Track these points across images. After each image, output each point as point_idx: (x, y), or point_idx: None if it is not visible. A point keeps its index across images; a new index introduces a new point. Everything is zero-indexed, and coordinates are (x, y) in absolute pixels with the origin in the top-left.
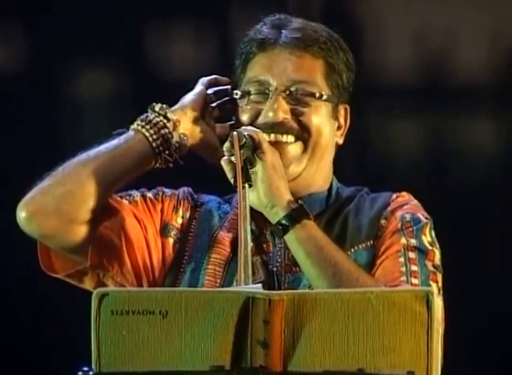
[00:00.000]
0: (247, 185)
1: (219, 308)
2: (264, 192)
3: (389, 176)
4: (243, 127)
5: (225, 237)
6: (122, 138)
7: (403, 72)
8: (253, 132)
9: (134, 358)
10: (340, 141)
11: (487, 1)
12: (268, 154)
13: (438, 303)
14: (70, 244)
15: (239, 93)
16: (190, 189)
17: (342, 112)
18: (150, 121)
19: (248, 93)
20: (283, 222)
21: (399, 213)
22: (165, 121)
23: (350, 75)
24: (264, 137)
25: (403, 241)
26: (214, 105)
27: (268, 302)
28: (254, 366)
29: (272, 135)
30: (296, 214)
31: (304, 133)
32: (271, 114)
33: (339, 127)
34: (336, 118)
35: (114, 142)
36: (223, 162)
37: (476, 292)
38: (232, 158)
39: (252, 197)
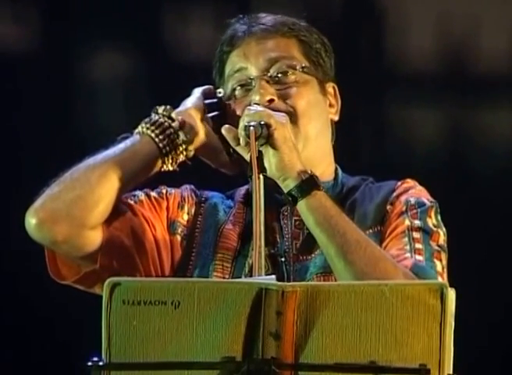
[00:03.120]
0: (261, 176)
1: (232, 300)
2: (276, 166)
3: (407, 165)
4: (253, 109)
5: (230, 231)
6: (128, 141)
7: (424, 60)
8: (261, 112)
9: (145, 349)
10: (335, 118)
11: None
12: (278, 129)
13: (451, 296)
14: (81, 249)
15: (222, 91)
16: (193, 186)
17: (330, 90)
18: (155, 123)
19: (232, 91)
20: (293, 193)
21: (403, 197)
22: (170, 122)
23: (329, 55)
24: (271, 114)
25: (407, 222)
26: (208, 115)
27: (281, 294)
28: (265, 357)
29: None
30: (306, 185)
31: (292, 115)
32: (257, 98)
33: (331, 105)
34: (325, 95)
35: (120, 146)
36: (241, 146)
37: (492, 282)
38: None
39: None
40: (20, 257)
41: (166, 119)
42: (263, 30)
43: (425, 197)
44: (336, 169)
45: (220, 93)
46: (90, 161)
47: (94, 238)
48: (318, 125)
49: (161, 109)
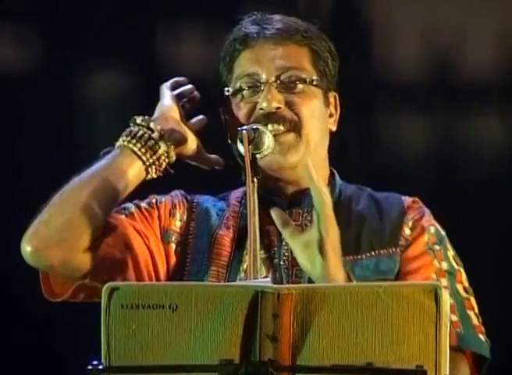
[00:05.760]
0: (255, 179)
1: (229, 302)
2: (318, 275)
3: (396, 174)
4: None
5: (224, 236)
6: (110, 157)
7: (411, 69)
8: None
9: (144, 352)
10: (334, 128)
11: None
12: (332, 236)
13: (446, 297)
14: (77, 270)
15: (230, 90)
16: (182, 191)
17: (331, 99)
18: (135, 135)
19: (240, 89)
20: None
21: (422, 225)
22: (150, 133)
23: (335, 63)
24: (329, 213)
25: (436, 264)
26: (182, 103)
27: (277, 296)
28: (262, 359)
29: (269, 126)
30: None
31: (297, 124)
32: (265, 104)
33: (330, 115)
34: (328, 106)
35: (103, 162)
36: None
37: (486, 292)
38: (240, 148)
39: (305, 265)
40: (16, 259)
41: (146, 130)
42: (277, 35)
43: (435, 223)
44: (334, 175)
45: (228, 91)
46: (76, 181)
47: (89, 258)
48: (319, 136)
49: (139, 120)
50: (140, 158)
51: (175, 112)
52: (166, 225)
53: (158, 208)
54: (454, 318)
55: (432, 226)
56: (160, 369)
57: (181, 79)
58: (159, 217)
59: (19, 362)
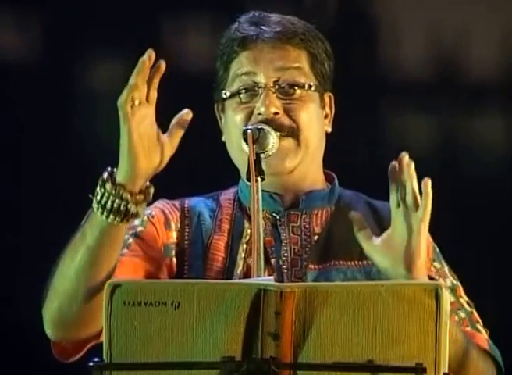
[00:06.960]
0: (259, 179)
1: (231, 300)
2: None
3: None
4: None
5: (218, 241)
6: (96, 231)
7: (416, 69)
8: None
9: (146, 349)
10: (329, 129)
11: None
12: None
13: (446, 296)
14: (97, 334)
15: (228, 93)
16: (165, 199)
17: (327, 100)
18: (111, 209)
19: (237, 93)
20: None
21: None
22: (125, 203)
23: (331, 63)
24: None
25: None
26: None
27: (280, 294)
28: (264, 357)
29: None
30: None
31: (295, 130)
32: (263, 109)
33: (325, 116)
34: (323, 107)
35: (88, 237)
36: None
37: (486, 289)
38: (245, 148)
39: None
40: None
41: (119, 200)
42: (275, 38)
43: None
44: (334, 179)
45: (226, 94)
46: (70, 265)
47: None
48: (317, 140)
49: (109, 187)
50: (124, 225)
51: (138, 149)
52: (165, 240)
53: (154, 224)
54: (469, 330)
55: (430, 243)
56: (162, 366)
57: (132, 82)
58: (158, 233)
59: (20, 358)
